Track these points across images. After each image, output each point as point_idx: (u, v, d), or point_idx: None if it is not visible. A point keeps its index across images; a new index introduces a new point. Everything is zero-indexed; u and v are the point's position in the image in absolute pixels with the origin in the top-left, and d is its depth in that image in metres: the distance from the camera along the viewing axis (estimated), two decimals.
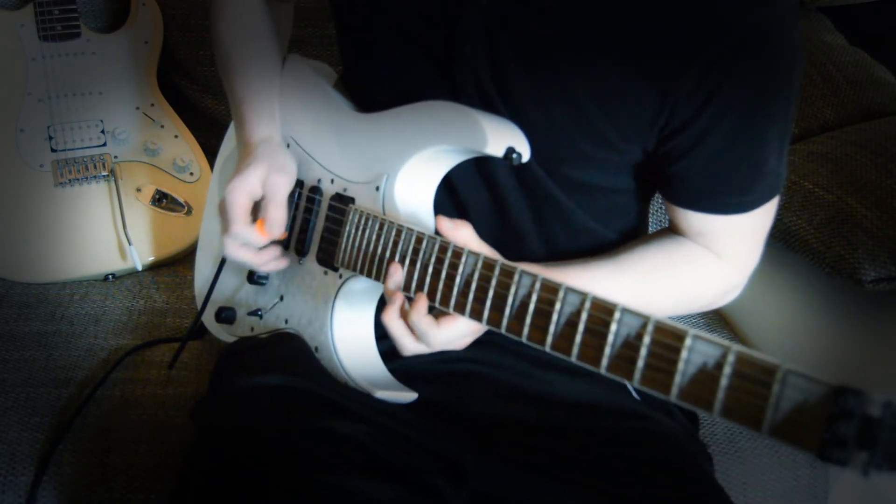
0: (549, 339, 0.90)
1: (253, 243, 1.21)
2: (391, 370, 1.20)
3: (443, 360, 1.24)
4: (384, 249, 1.10)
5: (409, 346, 1.07)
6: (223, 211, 1.21)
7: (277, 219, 1.20)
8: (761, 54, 1.03)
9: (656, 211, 1.82)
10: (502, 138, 1.07)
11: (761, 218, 1.15)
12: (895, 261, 1.52)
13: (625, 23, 1.03)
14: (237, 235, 1.20)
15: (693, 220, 1.15)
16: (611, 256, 1.16)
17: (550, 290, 0.91)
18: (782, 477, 1.52)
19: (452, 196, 1.19)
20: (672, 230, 1.21)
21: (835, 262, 1.57)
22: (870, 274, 1.53)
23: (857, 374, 1.58)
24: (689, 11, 1.02)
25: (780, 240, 1.61)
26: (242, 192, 1.19)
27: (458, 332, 1.05)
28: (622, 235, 1.23)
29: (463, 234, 1.03)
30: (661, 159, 1.12)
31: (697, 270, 1.18)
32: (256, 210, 1.22)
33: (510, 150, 1.06)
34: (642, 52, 1.04)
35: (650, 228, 1.83)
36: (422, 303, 1.04)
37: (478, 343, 1.22)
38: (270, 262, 1.24)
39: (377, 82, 1.22)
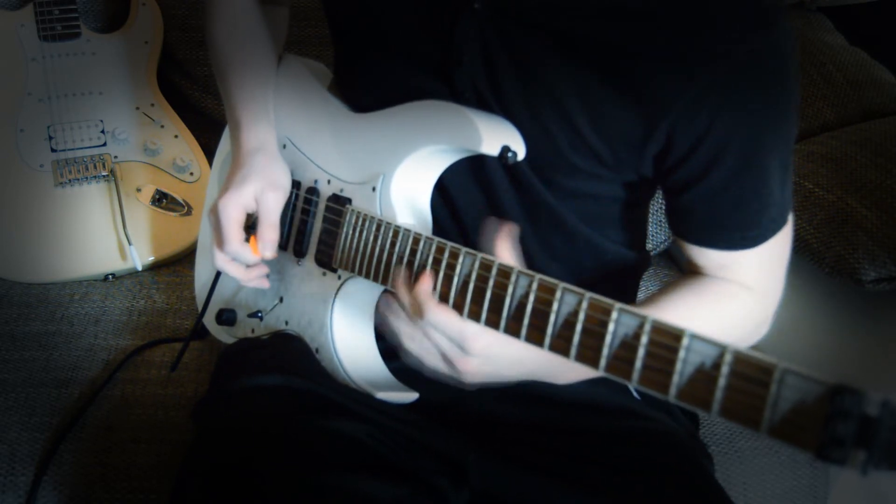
0: (547, 339, 0.90)
1: (245, 261, 1.23)
2: (392, 370, 1.20)
3: None
4: (382, 250, 1.10)
5: (405, 323, 1.04)
6: (216, 224, 1.22)
7: (270, 240, 1.21)
8: (758, 85, 1.01)
9: (656, 211, 1.82)
10: (497, 137, 1.06)
11: (775, 248, 1.13)
12: (895, 261, 1.52)
13: (613, 46, 1.02)
14: (230, 253, 1.21)
15: (708, 255, 1.14)
16: (648, 302, 1.15)
17: (547, 291, 0.90)
18: (782, 477, 1.52)
19: (448, 202, 1.19)
20: (693, 271, 1.19)
21: (835, 262, 1.57)
22: (870, 274, 1.54)
23: (857, 373, 1.58)
24: (682, 37, 1.01)
25: None
26: (237, 206, 1.20)
27: (452, 323, 1.00)
28: (616, 242, 1.22)
29: (505, 254, 0.99)
30: (668, 191, 1.12)
31: (730, 305, 1.15)
32: (248, 220, 1.23)
33: (505, 149, 1.06)
34: (630, 77, 1.03)
35: (650, 233, 1.84)
36: (427, 280, 1.02)
37: None
38: (256, 280, 1.26)
39: (373, 87, 1.21)
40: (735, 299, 1.15)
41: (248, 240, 1.22)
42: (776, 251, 1.14)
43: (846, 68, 1.98)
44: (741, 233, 1.10)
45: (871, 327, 1.65)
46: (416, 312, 1.02)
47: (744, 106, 1.02)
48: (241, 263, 1.24)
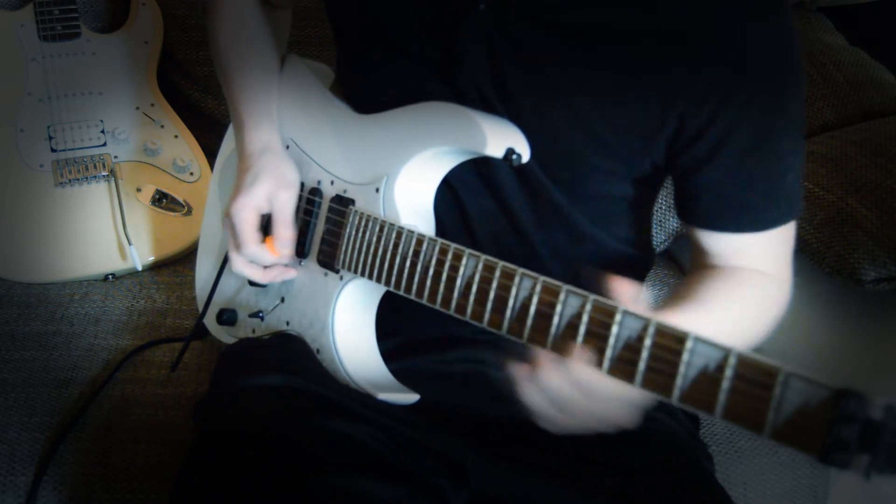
0: (550, 341, 0.90)
1: (263, 262, 1.23)
2: (392, 371, 1.20)
3: (443, 361, 1.24)
4: (385, 251, 1.10)
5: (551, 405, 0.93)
6: (230, 229, 1.22)
7: (287, 238, 1.21)
8: (766, 70, 1.02)
9: (656, 211, 1.82)
10: (502, 139, 1.06)
11: (785, 234, 1.14)
12: (895, 261, 1.52)
13: (625, 37, 1.03)
14: (249, 256, 1.21)
15: (719, 240, 1.14)
16: (671, 305, 1.11)
17: (551, 293, 0.91)
18: (782, 477, 1.52)
19: (455, 201, 1.19)
20: (707, 264, 1.18)
21: (835, 262, 1.57)
22: (870, 274, 1.53)
23: (856, 373, 1.59)
24: (691, 26, 1.02)
25: None
26: (250, 209, 1.20)
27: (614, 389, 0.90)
28: (623, 242, 1.23)
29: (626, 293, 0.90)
30: (676, 174, 1.12)
31: (757, 293, 1.14)
32: (262, 222, 1.23)
33: (510, 151, 1.06)
34: (643, 66, 1.03)
35: (652, 234, 1.84)
36: (583, 351, 0.89)
37: (478, 343, 1.22)
38: (279, 276, 1.25)
39: (375, 88, 1.21)
40: (758, 286, 1.15)
41: (263, 240, 1.22)
42: (785, 238, 1.15)
43: (846, 68, 1.98)
44: (755, 214, 1.10)
45: (871, 327, 1.65)
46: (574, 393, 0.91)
47: (752, 90, 1.02)
48: (259, 265, 1.24)
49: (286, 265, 1.25)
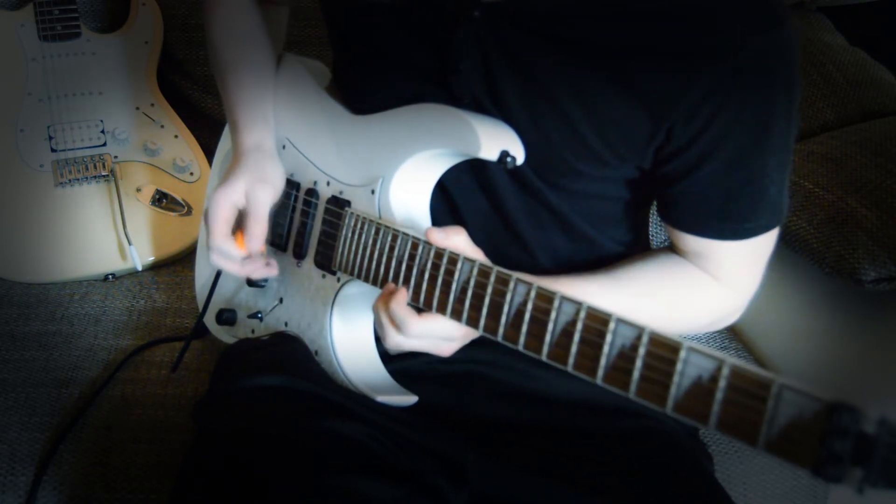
0: (545, 348, 0.90)
1: (232, 256, 1.22)
2: (391, 371, 1.20)
3: (443, 361, 1.24)
4: (381, 254, 1.10)
5: (391, 335, 1.05)
6: (205, 222, 1.22)
7: (256, 234, 1.20)
8: (758, 86, 1.02)
9: (656, 211, 1.82)
10: (496, 141, 1.06)
11: (761, 245, 1.14)
12: (895, 261, 1.52)
13: (618, 48, 1.03)
14: (215, 248, 1.21)
15: (692, 242, 1.14)
16: (607, 272, 1.15)
17: (545, 299, 0.90)
18: (782, 477, 1.52)
19: (449, 203, 1.19)
20: (672, 250, 1.20)
21: (835, 262, 1.57)
22: (870, 274, 1.53)
23: (856, 374, 1.58)
24: (685, 37, 1.01)
25: (780, 240, 1.61)
26: (225, 203, 1.20)
27: (438, 328, 1.03)
28: (620, 243, 1.23)
29: (454, 241, 1.02)
30: (660, 180, 1.12)
31: (695, 293, 1.17)
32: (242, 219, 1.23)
33: (504, 154, 1.06)
34: (635, 78, 1.03)
35: (650, 233, 1.84)
36: (401, 294, 1.04)
37: (476, 343, 1.22)
38: (255, 272, 1.25)
39: (371, 91, 1.21)
40: (702, 288, 1.16)
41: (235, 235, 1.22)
42: (758, 251, 1.15)
43: (846, 68, 1.97)
44: (733, 224, 1.11)
45: (871, 327, 1.64)
46: (399, 330, 1.04)
47: (744, 105, 1.02)
48: (233, 259, 1.23)
49: (268, 263, 1.25)
